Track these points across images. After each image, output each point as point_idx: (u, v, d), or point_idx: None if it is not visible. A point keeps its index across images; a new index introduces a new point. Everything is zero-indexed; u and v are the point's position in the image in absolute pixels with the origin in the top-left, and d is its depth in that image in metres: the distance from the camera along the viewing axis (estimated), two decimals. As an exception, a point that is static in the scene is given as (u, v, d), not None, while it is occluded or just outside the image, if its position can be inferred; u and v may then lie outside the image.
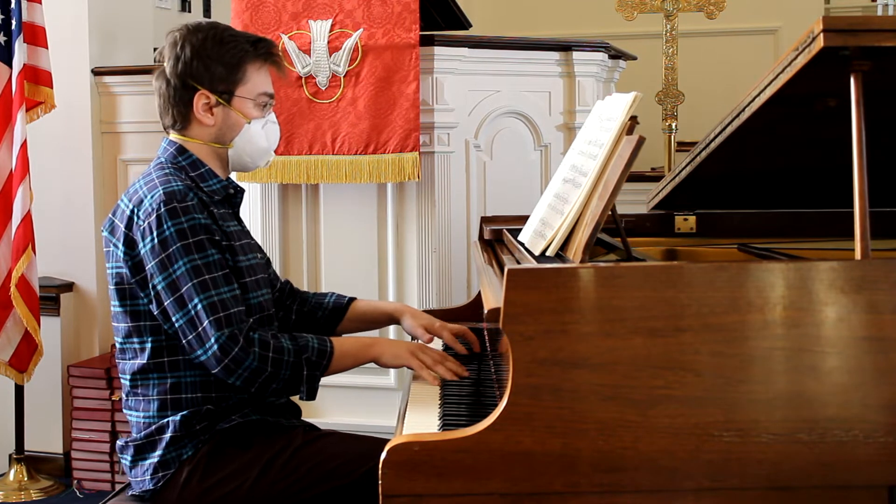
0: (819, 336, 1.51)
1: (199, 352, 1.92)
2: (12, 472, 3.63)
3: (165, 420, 1.97)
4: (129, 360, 2.02)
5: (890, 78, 1.63)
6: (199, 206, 1.97)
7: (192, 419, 1.96)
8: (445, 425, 1.79)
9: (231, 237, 2.04)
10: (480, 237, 2.55)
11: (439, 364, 2.06)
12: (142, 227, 1.95)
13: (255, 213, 3.27)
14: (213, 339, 1.90)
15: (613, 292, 1.51)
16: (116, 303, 2.02)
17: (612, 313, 1.51)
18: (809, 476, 1.52)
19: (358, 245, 3.23)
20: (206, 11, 4.81)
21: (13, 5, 3.42)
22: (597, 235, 1.69)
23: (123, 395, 2.07)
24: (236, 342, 1.90)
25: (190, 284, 1.91)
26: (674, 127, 3.99)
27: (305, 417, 2.21)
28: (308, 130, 3.12)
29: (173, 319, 1.93)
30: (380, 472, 1.51)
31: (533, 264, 1.74)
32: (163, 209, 1.93)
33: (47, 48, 3.49)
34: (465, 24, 3.37)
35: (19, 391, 3.61)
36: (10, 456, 3.66)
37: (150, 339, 1.99)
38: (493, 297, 1.65)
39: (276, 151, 3.05)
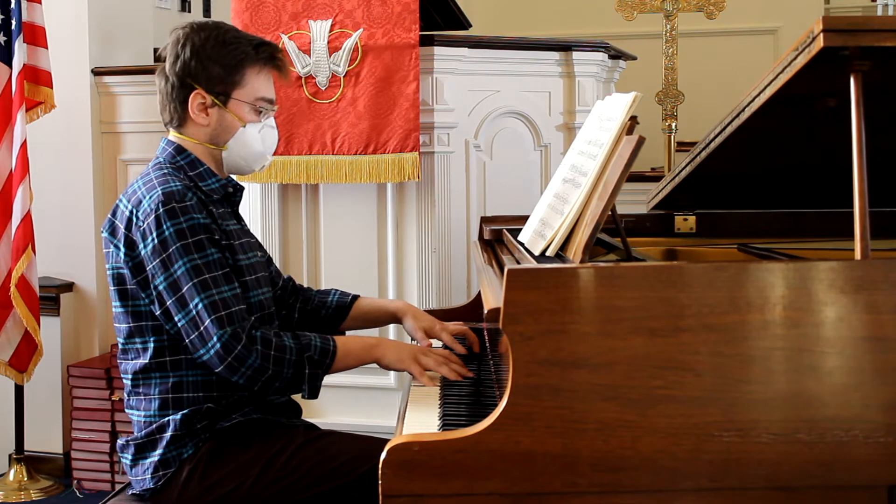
0: (819, 336, 1.51)
1: (201, 351, 1.92)
2: (12, 472, 3.63)
3: (166, 419, 1.97)
4: (132, 359, 2.02)
5: (890, 78, 1.63)
6: (197, 206, 1.97)
7: (192, 418, 1.96)
8: (445, 425, 1.79)
9: (231, 236, 2.04)
10: (480, 237, 2.55)
11: (443, 365, 2.05)
12: (141, 228, 1.95)
13: (255, 213, 3.27)
14: (215, 338, 1.90)
15: (613, 292, 1.51)
16: (118, 303, 2.02)
17: (612, 313, 1.51)
18: (809, 476, 1.52)
19: (358, 245, 3.23)
20: (206, 11, 4.81)
21: (13, 5, 3.42)
22: (597, 235, 1.69)
23: (125, 395, 2.07)
24: (238, 340, 1.90)
25: (190, 284, 1.92)
26: (674, 127, 3.99)
27: (305, 417, 2.21)
28: (308, 130, 3.12)
29: (175, 319, 1.94)
30: (380, 471, 1.52)
31: (533, 264, 1.74)
32: (161, 210, 1.93)
33: (47, 48, 3.49)
34: (465, 24, 3.37)
35: (19, 391, 3.61)
36: (10, 456, 3.66)
37: (152, 339, 1.99)
38: (493, 297, 1.65)
39: (276, 152, 3.07)
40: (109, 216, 2.05)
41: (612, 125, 1.79)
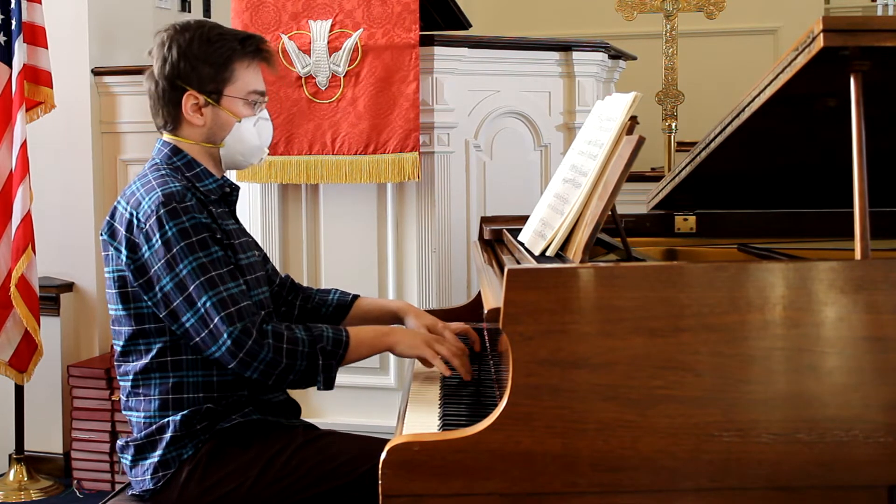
0: (819, 336, 1.51)
1: (212, 349, 1.92)
2: (12, 472, 3.63)
3: (166, 420, 1.97)
4: (133, 361, 2.02)
5: (890, 78, 1.63)
6: (198, 206, 1.97)
7: (192, 419, 1.96)
8: (445, 425, 1.79)
9: (230, 235, 2.04)
10: (480, 237, 2.55)
11: (456, 357, 2.05)
12: (143, 230, 1.94)
13: (255, 213, 3.26)
14: (225, 335, 1.89)
15: (613, 292, 1.51)
16: (119, 306, 2.01)
17: (612, 313, 1.51)
18: (809, 476, 1.52)
19: (358, 245, 3.23)
20: (206, 11, 4.81)
21: (13, 5, 3.42)
22: (597, 235, 1.69)
23: (123, 396, 2.06)
24: (249, 335, 1.90)
25: (197, 283, 1.91)
26: (674, 127, 3.99)
27: (305, 417, 2.21)
28: (308, 130, 3.12)
29: (183, 319, 1.93)
30: (380, 471, 1.52)
31: (533, 264, 1.74)
32: (162, 210, 1.93)
33: (47, 48, 3.49)
34: (465, 24, 3.37)
35: (19, 391, 3.61)
36: (10, 456, 3.66)
37: (156, 341, 1.98)
38: (493, 297, 1.65)
39: (276, 151, 3.09)
40: (108, 219, 2.03)
41: (612, 125, 1.79)
